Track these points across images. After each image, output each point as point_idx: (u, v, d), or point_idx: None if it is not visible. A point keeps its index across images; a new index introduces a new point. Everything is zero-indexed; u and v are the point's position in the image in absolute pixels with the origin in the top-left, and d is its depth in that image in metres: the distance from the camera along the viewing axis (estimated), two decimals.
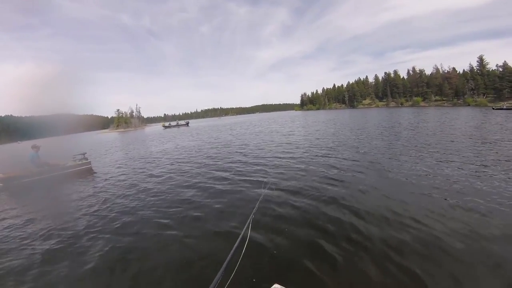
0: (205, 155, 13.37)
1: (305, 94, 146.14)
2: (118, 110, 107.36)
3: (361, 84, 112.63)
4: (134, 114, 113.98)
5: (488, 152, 8.85)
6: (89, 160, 12.11)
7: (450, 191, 5.54)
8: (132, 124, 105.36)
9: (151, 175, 9.54)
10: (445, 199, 5.15)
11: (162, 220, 5.15)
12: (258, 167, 9.20)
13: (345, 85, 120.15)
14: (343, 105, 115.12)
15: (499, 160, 7.71)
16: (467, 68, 79.11)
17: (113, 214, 5.71)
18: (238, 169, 9.22)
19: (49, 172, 10.41)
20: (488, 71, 72.86)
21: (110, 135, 54.95)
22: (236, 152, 13.35)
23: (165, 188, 7.57)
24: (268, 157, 10.96)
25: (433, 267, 3.17)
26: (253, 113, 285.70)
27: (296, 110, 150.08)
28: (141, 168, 11.20)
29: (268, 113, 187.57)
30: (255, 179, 7.62)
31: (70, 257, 4.05)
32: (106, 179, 9.55)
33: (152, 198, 6.68)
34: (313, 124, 30.29)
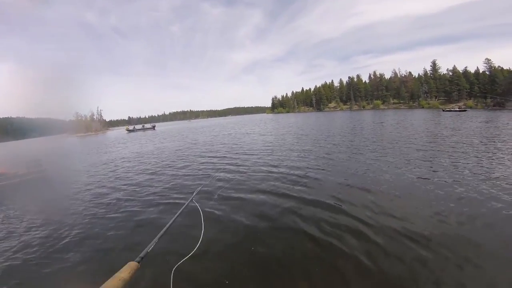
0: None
1: (276, 97, 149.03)
2: (77, 113, 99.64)
3: (327, 88, 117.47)
4: (95, 117, 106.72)
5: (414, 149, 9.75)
6: (44, 168, 11.21)
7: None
8: (93, 128, 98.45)
9: (104, 186, 8.77)
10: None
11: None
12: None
13: (312, 89, 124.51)
14: (311, 108, 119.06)
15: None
16: (422, 72, 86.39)
17: (67, 222, 5.52)
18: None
19: None
20: (439, 75, 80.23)
21: (68, 140, 50.77)
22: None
23: (114, 200, 7.06)
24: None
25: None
26: (225, 116, 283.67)
27: (267, 113, 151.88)
28: (100, 175, 10.53)
29: (240, 116, 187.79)
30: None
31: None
32: (62, 188, 8.88)
33: (97, 211, 6.29)
34: (283, 127, 30.90)
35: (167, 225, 1.95)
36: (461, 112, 41.38)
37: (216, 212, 5.29)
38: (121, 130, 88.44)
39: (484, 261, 3.26)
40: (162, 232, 1.82)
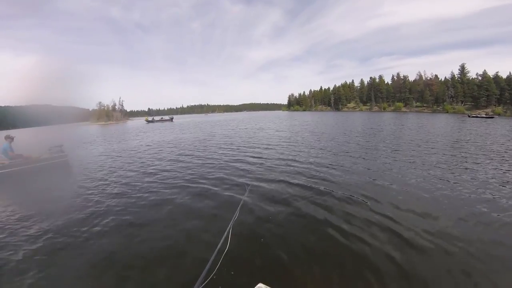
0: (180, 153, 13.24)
1: (292, 95, 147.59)
2: (100, 102, 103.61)
3: (347, 87, 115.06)
4: (116, 107, 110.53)
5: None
6: (65, 153, 11.50)
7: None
8: (114, 117, 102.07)
9: (131, 171, 9.30)
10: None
11: (136, 220, 4.98)
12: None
13: (331, 88, 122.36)
14: (329, 108, 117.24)
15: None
16: (448, 76, 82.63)
17: (89, 210, 5.49)
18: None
19: (22, 165, 9.89)
20: (468, 79, 76.35)
21: (90, 128, 52.98)
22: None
23: (144, 184, 7.40)
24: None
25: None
26: (240, 111, 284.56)
27: (283, 111, 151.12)
28: (120, 163, 10.90)
29: (255, 112, 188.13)
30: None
31: (48, 255, 3.84)
32: (83, 174, 9.19)
33: (127, 195, 6.50)
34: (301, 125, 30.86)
35: (225, 245, 1.86)
36: (488, 119, 39.50)
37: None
38: (141, 121, 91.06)
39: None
40: (210, 261, 1.64)
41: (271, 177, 7.56)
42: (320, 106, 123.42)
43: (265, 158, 10.42)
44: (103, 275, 3.35)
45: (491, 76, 71.37)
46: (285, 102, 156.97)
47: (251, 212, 5.00)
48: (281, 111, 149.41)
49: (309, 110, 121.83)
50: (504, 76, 69.40)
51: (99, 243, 4.15)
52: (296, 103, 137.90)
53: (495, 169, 7.88)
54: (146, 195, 6.50)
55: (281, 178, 7.35)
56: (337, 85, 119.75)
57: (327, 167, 8.63)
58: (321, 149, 12.39)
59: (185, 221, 4.81)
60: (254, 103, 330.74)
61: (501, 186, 6.22)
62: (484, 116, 45.66)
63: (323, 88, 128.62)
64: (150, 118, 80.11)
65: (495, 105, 67.11)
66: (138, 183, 7.60)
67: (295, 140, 16.27)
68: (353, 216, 4.76)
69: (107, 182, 7.83)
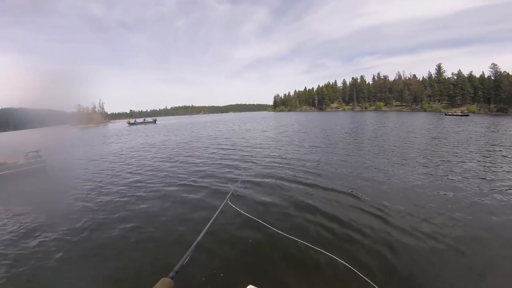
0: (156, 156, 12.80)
1: (278, 95, 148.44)
2: (79, 105, 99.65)
3: (330, 88, 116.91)
4: (96, 109, 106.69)
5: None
6: (43, 158, 11.11)
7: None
8: (94, 120, 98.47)
9: (107, 179, 8.96)
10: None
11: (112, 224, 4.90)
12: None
13: (315, 88, 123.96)
14: (313, 108, 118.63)
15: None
16: (426, 75, 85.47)
17: (68, 216, 5.36)
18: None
19: None
20: (444, 78, 79.47)
21: (69, 132, 50.88)
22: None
23: (117, 194, 7.04)
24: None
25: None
26: (227, 112, 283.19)
27: (269, 111, 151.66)
28: (98, 170, 10.56)
29: (241, 113, 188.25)
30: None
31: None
32: (61, 179, 9.12)
33: (107, 198, 6.42)
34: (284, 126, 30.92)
35: (201, 234, 1.80)
36: (463, 117, 41.15)
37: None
38: (123, 123, 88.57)
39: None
40: (196, 242, 1.67)
41: (259, 177, 7.64)
42: (305, 106, 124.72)
43: (254, 158, 10.79)
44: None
45: (466, 76, 74.65)
46: (271, 102, 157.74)
47: (240, 213, 4.98)
48: (267, 112, 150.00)
49: (294, 111, 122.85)
50: (478, 76, 72.82)
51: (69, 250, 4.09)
52: (282, 104, 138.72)
53: (471, 162, 8.50)
54: (123, 199, 6.35)
55: (269, 178, 7.47)
56: (320, 85, 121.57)
57: (315, 166, 8.89)
58: (308, 148, 12.92)
59: (170, 224, 4.82)
60: (241, 104, 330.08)
61: (480, 178, 6.77)
62: (459, 114, 47.61)
63: (307, 89, 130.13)
64: (132, 121, 77.70)
65: (469, 104, 70.19)
66: (116, 187, 7.42)
67: (282, 140, 16.91)
68: (341, 213, 4.85)
69: (82, 189, 7.49)
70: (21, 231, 4.81)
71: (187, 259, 1.48)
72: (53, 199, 6.78)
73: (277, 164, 9.22)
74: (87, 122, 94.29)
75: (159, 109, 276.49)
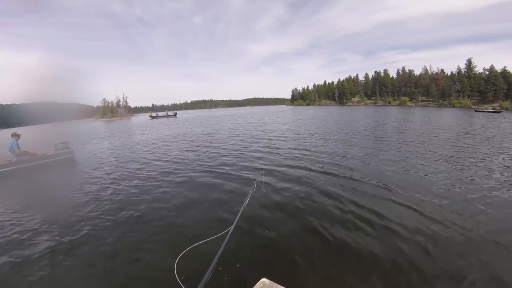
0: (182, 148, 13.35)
1: (296, 89, 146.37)
2: (104, 99, 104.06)
3: (351, 82, 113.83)
4: (120, 103, 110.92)
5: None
6: (71, 149, 11.60)
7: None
8: (118, 114, 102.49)
9: (137, 166, 9.41)
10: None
11: (141, 213, 5.05)
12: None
13: (335, 83, 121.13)
14: (333, 102, 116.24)
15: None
16: (455, 70, 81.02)
17: (98, 206, 5.50)
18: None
19: (29, 162, 9.99)
20: (475, 74, 74.91)
21: (95, 124, 53.40)
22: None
23: (148, 179, 7.47)
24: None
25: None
26: (244, 106, 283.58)
27: (287, 105, 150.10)
28: (126, 159, 11.07)
29: (258, 107, 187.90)
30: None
31: (57, 251, 3.82)
32: (89, 170, 9.32)
33: (135, 191, 6.50)
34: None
35: (223, 244, 1.75)
36: (494, 113, 38.83)
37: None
38: (145, 117, 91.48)
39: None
40: (217, 256, 1.63)
41: (279, 169, 7.70)
42: (324, 100, 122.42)
43: (274, 151, 10.78)
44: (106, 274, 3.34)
45: (498, 71, 69.93)
46: (289, 96, 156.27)
47: (258, 204, 5.02)
48: (284, 106, 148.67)
49: (313, 105, 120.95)
50: None
51: (97, 241, 4.11)
52: (300, 98, 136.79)
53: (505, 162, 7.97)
54: (150, 187, 6.69)
55: (290, 169, 7.58)
56: (341, 79, 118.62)
57: (338, 158, 8.91)
58: (331, 142, 12.77)
59: (193, 212, 4.93)
60: (257, 98, 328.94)
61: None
62: (491, 110, 44.88)
63: (327, 82, 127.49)
64: (154, 114, 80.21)
65: (502, 100, 65.87)
66: (142, 176, 7.81)
67: (301, 133, 16.67)
68: (367, 204, 4.82)
69: (112, 177, 7.97)
70: (60, 218, 5.01)
71: (210, 276, 1.43)
72: (81, 187, 7.00)
73: (298, 156, 9.52)
74: (112, 116, 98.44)
75: (179, 103, 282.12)
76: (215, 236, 2.56)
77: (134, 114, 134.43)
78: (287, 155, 9.86)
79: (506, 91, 66.31)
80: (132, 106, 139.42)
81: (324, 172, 7.19)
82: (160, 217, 4.80)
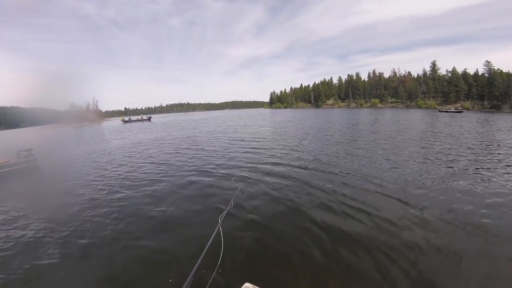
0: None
1: (274, 92, 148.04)
2: (72, 103, 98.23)
3: (326, 85, 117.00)
4: (91, 107, 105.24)
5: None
6: (35, 157, 10.99)
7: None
8: (88, 119, 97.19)
9: (104, 174, 8.81)
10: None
11: (106, 220, 4.88)
12: None
13: (311, 85, 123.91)
14: (309, 105, 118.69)
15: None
16: (421, 72, 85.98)
17: (60, 215, 5.25)
18: None
19: None
20: (439, 75, 79.96)
21: (62, 130, 50.23)
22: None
23: (117, 186, 7.13)
24: None
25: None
26: (222, 109, 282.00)
27: (265, 108, 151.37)
28: (94, 166, 10.48)
29: (238, 110, 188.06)
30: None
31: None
32: (54, 178, 8.89)
33: (104, 199, 6.19)
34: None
35: (201, 256, 1.67)
36: (456, 114, 41.46)
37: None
38: (117, 121, 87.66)
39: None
40: (195, 267, 1.54)
41: (261, 172, 7.72)
42: (301, 103, 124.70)
43: (255, 154, 10.57)
44: None
45: (460, 73, 75.19)
46: (267, 99, 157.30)
47: (241, 209, 4.99)
48: (263, 109, 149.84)
49: (290, 107, 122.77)
50: (472, 73, 73.37)
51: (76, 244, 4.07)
52: (278, 101, 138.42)
53: (465, 159, 8.71)
54: (121, 195, 6.29)
55: (271, 174, 7.50)
56: (316, 83, 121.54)
57: (315, 160, 9.04)
58: (310, 141, 13.41)
59: (173, 218, 4.83)
60: (237, 101, 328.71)
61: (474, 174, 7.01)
62: (453, 111, 47.93)
63: (303, 86, 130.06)
64: (126, 118, 76.94)
65: (463, 100, 70.80)
66: (113, 184, 7.32)
67: (282, 134, 17.31)
68: (348, 206, 4.94)
69: (79, 185, 7.45)
70: (8, 229, 4.73)
71: (191, 282, 1.40)
72: (44, 197, 6.66)
73: (280, 157, 9.63)
74: (81, 121, 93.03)
75: (154, 106, 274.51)
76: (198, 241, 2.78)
77: (106, 119, 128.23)
78: (270, 157, 9.82)
79: (466, 92, 71.34)
80: (103, 110, 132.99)
81: (306, 172, 7.43)
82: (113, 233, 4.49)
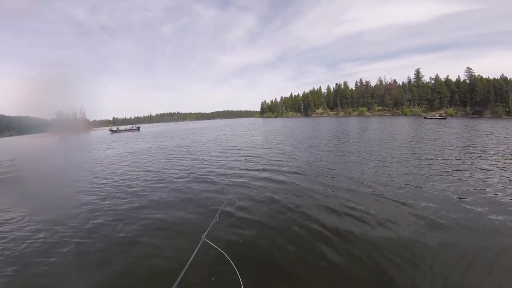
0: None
1: (265, 102, 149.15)
2: (58, 111, 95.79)
3: (315, 94, 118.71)
4: (78, 116, 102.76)
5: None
6: (17, 167, 10.71)
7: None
8: (75, 128, 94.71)
9: (91, 184, 8.48)
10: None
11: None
12: None
13: (301, 95, 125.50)
14: (299, 114, 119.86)
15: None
16: (406, 80, 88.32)
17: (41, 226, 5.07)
18: None
19: None
20: (423, 83, 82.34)
21: (47, 140, 48.70)
22: None
23: (105, 200, 6.75)
24: None
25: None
26: (213, 119, 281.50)
27: (256, 117, 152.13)
28: (78, 176, 10.02)
29: (229, 120, 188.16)
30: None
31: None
32: (37, 189, 8.59)
33: (90, 209, 5.96)
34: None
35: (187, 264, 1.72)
36: (441, 120, 42.52)
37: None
38: (105, 131, 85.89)
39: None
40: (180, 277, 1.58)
41: (253, 180, 7.66)
42: (291, 112, 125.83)
43: (246, 164, 10.27)
44: None
45: (443, 80, 77.76)
46: (258, 108, 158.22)
47: (231, 216, 4.93)
48: (254, 118, 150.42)
49: (280, 117, 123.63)
50: (454, 79, 76.00)
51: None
52: (269, 110, 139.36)
53: (449, 161, 9.10)
54: (106, 207, 6.05)
55: (263, 181, 7.48)
56: (306, 92, 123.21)
57: (306, 167, 9.02)
58: (303, 150, 13.30)
59: (163, 225, 4.77)
60: (228, 110, 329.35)
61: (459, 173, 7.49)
62: (438, 117, 49.21)
63: (293, 95, 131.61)
64: (114, 128, 75.28)
65: (447, 107, 73.00)
66: (99, 197, 6.95)
67: (272, 144, 17.31)
68: (328, 218, 4.76)
69: (61, 197, 7.23)
70: None
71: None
72: (24, 205, 6.60)
73: (271, 166, 9.59)
74: (68, 130, 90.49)
75: (144, 116, 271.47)
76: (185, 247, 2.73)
77: (93, 128, 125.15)
78: (263, 165, 9.76)
79: (449, 99, 73.63)
80: (91, 120, 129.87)
81: (298, 178, 7.51)
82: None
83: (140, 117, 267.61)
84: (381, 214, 4.74)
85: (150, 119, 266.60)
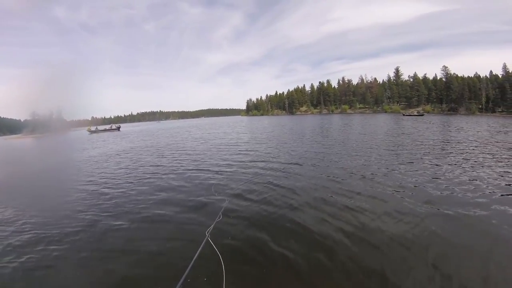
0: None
1: (250, 100, 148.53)
2: (33, 112, 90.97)
3: (299, 92, 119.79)
4: (54, 116, 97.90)
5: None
6: None
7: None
8: (52, 129, 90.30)
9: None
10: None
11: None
12: None
13: (285, 93, 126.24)
14: (284, 112, 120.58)
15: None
16: (386, 79, 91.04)
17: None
18: None
19: None
20: (402, 81, 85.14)
21: (20, 142, 46.04)
22: None
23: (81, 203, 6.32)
24: None
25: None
26: (198, 117, 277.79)
27: (242, 116, 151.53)
28: (53, 179, 9.75)
29: (214, 118, 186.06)
30: None
31: None
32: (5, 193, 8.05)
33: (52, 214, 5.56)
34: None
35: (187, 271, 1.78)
36: (418, 117, 44.01)
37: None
38: (84, 131, 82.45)
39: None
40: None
41: (245, 177, 7.58)
42: (276, 110, 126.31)
43: (236, 164, 9.83)
44: None
45: (421, 78, 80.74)
46: (244, 107, 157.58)
47: (230, 217, 4.77)
48: (240, 116, 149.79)
49: (266, 115, 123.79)
50: (431, 77, 79.14)
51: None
52: (254, 108, 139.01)
53: (425, 156, 9.34)
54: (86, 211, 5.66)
55: (256, 182, 7.20)
56: (290, 90, 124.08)
57: (297, 163, 9.05)
58: (289, 149, 12.89)
59: (162, 230, 4.52)
60: (213, 109, 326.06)
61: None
62: (416, 114, 50.97)
63: (278, 93, 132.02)
64: (93, 128, 72.01)
65: (424, 104, 75.88)
66: (78, 202, 6.41)
67: (261, 140, 17.16)
68: (321, 217, 4.68)
69: (33, 203, 6.64)
70: None
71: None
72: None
73: (262, 163, 9.56)
74: (44, 131, 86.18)
75: (124, 115, 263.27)
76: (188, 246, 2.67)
77: (72, 129, 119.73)
78: (253, 162, 9.71)
79: (427, 96, 76.56)
80: (68, 120, 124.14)
81: (290, 175, 7.48)
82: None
83: (121, 116, 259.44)
84: (377, 209, 4.76)
85: (131, 118, 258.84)
